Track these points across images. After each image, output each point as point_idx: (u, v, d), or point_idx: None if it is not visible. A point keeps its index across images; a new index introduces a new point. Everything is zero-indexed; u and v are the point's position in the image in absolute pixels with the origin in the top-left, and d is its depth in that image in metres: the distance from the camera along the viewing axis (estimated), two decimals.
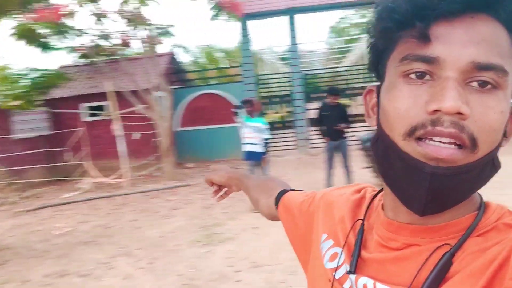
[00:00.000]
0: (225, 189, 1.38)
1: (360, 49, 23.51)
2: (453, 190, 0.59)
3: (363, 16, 25.54)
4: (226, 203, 8.17)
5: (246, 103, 7.27)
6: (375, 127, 0.69)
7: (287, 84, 14.95)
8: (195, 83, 15.53)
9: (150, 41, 10.68)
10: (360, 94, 14.41)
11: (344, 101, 7.82)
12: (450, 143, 0.56)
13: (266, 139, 7.26)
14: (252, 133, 7.17)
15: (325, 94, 14.48)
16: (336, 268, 0.75)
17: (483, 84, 0.56)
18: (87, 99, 13.03)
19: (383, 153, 0.64)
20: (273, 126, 12.83)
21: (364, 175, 8.75)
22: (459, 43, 0.56)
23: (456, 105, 0.54)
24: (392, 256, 0.67)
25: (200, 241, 6.11)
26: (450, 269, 0.59)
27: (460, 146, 0.56)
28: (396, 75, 0.61)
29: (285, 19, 13.49)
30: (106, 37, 11.49)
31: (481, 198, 0.67)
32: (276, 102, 15.39)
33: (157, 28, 11.55)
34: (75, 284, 4.98)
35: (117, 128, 10.61)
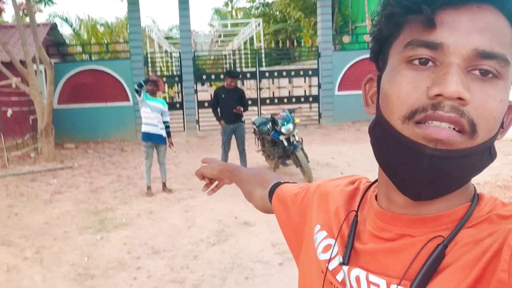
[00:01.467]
0: (216, 182, 1.32)
1: (244, 33, 23.83)
2: (450, 174, 0.59)
3: (250, 1, 25.81)
4: (115, 187, 7.78)
5: (149, 81, 6.88)
6: (373, 115, 0.69)
7: (176, 64, 14.61)
8: (77, 57, 14.40)
9: (29, 9, 9.62)
10: (245, 78, 14.66)
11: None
12: (449, 127, 0.57)
13: (166, 122, 7.00)
14: (151, 113, 6.84)
15: (214, 77, 14.57)
16: (329, 260, 0.75)
17: (484, 72, 0.57)
18: None
19: (381, 138, 0.64)
20: None
21: (257, 158, 8.92)
22: (464, 30, 0.57)
23: (458, 89, 0.55)
24: (385, 247, 0.67)
25: (91, 227, 5.73)
26: (443, 261, 0.59)
27: (459, 131, 0.57)
28: (399, 61, 0.62)
29: None
30: None
31: (475, 189, 0.67)
32: (164, 82, 14.95)
33: None
34: None
35: None
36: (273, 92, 14.99)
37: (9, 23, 13.37)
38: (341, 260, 0.72)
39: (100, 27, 20.28)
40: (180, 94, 13.97)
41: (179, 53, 13.86)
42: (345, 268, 0.70)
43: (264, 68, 15.24)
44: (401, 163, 0.61)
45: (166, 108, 7.04)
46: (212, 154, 10.41)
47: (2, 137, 9.80)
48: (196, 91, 13.82)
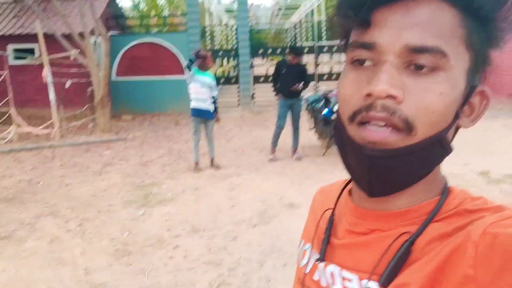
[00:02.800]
0: None
1: (306, 6, 23.16)
2: (395, 171, 0.60)
3: None
4: (165, 161, 7.77)
5: (199, 55, 6.72)
6: None
7: (233, 37, 14.41)
8: (135, 30, 14.51)
9: None
10: (306, 53, 14.18)
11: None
12: (386, 126, 0.57)
13: (214, 97, 6.84)
14: (201, 88, 6.69)
15: (271, 51, 14.22)
16: (307, 263, 0.76)
17: (420, 67, 0.57)
18: (12, 40, 11.87)
19: (338, 136, 0.66)
20: (217, 81, 12.34)
21: (309, 136, 8.60)
22: (395, 27, 0.57)
23: (385, 88, 0.55)
24: (357, 241, 0.68)
25: (135, 201, 5.71)
26: (412, 256, 0.59)
27: (397, 130, 0.57)
28: (346, 63, 0.64)
29: None
30: None
31: (446, 183, 0.67)
32: (220, 56, 14.81)
33: None
34: None
35: (47, 74, 9.71)
36: (332, 67, 14.45)
37: None
38: (317, 257, 0.73)
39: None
40: (236, 68, 13.75)
41: (236, 26, 13.61)
42: (321, 265, 0.71)
43: (323, 43, 14.69)
44: (352, 162, 0.63)
45: (214, 82, 6.86)
46: (265, 130, 10.19)
47: (61, 107, 10.05)
48: (252, 66, 13.56)
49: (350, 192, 0.74)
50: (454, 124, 0.61)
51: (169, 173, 6.98)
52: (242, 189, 6.05)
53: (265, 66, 14.52)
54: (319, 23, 15.74)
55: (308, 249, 0.78)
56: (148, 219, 5.11)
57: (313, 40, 14.31)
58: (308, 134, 8.61)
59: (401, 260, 0.59)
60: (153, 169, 7.21)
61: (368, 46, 0.58)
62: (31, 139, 9.93)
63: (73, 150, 8.79)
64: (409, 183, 0.62)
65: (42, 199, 5.87)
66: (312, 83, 13.35)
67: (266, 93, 13.21)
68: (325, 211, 0.78)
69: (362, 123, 0.59)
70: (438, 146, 0.60)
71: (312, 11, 21.54)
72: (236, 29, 13.43)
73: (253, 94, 13.65)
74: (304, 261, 0.78)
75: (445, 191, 0.65)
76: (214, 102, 6.86)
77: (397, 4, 0.57)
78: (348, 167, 0.65)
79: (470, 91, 0.61)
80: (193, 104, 6.78)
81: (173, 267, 4.01)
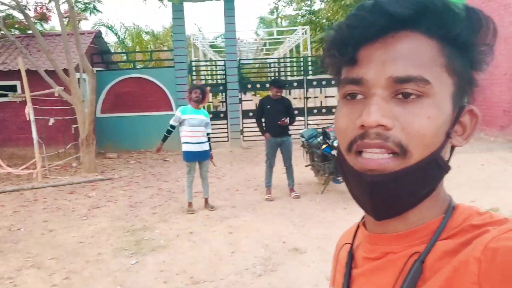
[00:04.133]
0: None
1: (290, 41, 23.26)
2: (396, 193, 0.62)
3: (297, 9, 25.27)
4: (155, 202, 7.35)
5: (196, 90, 6.38)
6: None
7: (220, 72, 14.24)
8: (120, 66, 14.23)
9: (72, 16, 9.41)
10: (291, 87, 14.01)
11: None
12: (382, 152, 0.60)
13: (208, 134, 6.50)
14: (196, 128, 6.33)
15: (259, 85, 14.05)
16: None
17: (406, 95, 0.61)
18: None
19: (341, 167, 0.69)
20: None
21: (305, 173, 8.29)
22: (379, 63, 0.61)
23: (375, 119, 0.59)
24: (373, 266, 0.69)
25: (127, 249, 5.26)
26: (423, 276, 0.60)
27: (393, 154, 0.60)
28: (340, 98, 0.68)
29: (219, 3, 12.74)
30: (19, 7, 10.03)
31: (450, 201, 0.68)
32: (209, 91, 14.57)
33: (80, 2, 10.31)
34: None
35: (30, 112, 9.29)
36: (321, 102, 14.30)
37: (54, 31, 13.31)
38: None
39: (145, 35, 20.25)
40: (224, 104, 13.50)
41: (224, 61, 13.45)
42: None
43: (310, 77, 14.60)
44: (355, 188, 0.66)
45: (208, 119, 6.53)
46: (256, 166, 9.87)
47: (43, 146, 9.59)
48: (241, 100, 13.34)
49: (364, 224, 0.75)
50: (446, 144, 0.63)
51: (160, 215, 6.55)
52: (241, 233, 5.65)
53: (253, 101, 14.31)
54: (305, 57, 15.68)
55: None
56: (142, 269, 4.66)
57: (301, 74, 14.18)
58: (304, 171, 8.30)
59: (413, 280, 0.61)
60: (143, 211, 6.78)
61: (357, 82, 0.63)
62: (12, 180, 9.42)
63: (57, 191, 8.31)
64: (413, 203, 0.64)
65: (23, 249, 5.38)
66: (301, 118, 13.16)
67: (255, 128, 12.91)
68: (343, 245, 0.81)
69: (359, 152, 0.62)
70: (434, 166, 0.63)
71: (298, 45, 21.62)
72: (224, 64, 13.25)
73: (242, 129, 13.37)
74: None
75: (450, 208, 0.66)
76: (208, 140, 6.52)
77: (378, 41, 0.62)
78: (353, 195, 0.68)
79: (459, 111, 0.65)
80: (187, 148, 6.38)
81: None
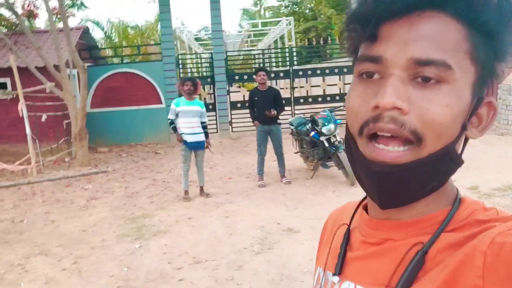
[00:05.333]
0: None
1: (274, 33, 23.49)
2: (404, 185, 0.61)
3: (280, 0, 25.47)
4: (151, 191, 7.60)
5: (187, 82, 6.61)
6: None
7: (207, 65, 14.44)
8: (108, 61, 14.35)
9: (62, 13, 9.54)
10: (278, 78, 14.22)
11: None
12: (397, 145, 0.59)
13: (203, 122, 6.74)
14: (192, 119, 6.57)
15: (246, 77, 14.29)
16: (323, 284, 0.76)
17: (426, 79, 0.58)
18: None
19: (349, 150, 0.67)
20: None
21: (295, 159, 8.59)
22: (401, 41, 0.59)
23: (391, 100, 0.57)
24: (371, 251, 0.68)
25: (129, 235, 5.52)
26: (424, 267, 0.60)
27: (408, 143, 0.59)
28: (354, 76, 0.65)
29: None
30: (8, 5, 10.12)
31: (457, 193, 0.67)
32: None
33: None
34: None
35: (23, 108, 9.43)
36: (307, 91, 14.61)
37: (41, 28, 13.36)
38: (333, 273, 0.73)
39: (130, 30, 20.34)
40: (212, 96, 13.74)
41: (211, 53, 13.66)
42: (337, 282, 0.71)
43: (296, 67, 14.87)
44: (363, 175, 0.64)
45: (204, 109, 6.77)
46: (247, 156, 10.15)
47: (37, 142, 9.75)
48: (228, 92, 13.58)
49: (364, 207, 0.75)
50: (461, 136, 0.62)
51: (158, 203, 6.81)
52: (237, 217, 5.94)
53: (241, 92, 14.57)
54: (290, 48, 15.95)
55: (322, 272, 0.78)
56: (146, 253, 4.93)
57: (286, 65, 14.44)
58: (293, 158, 8.60)
59: (414, 270, 0.60)
60: (141, 201, 7.03)
61: (375, 60, 0.60)
62: (7, 175, 9.56)
63: (53, 185, 8.50)
64: (420, 196, 0.63)
65: (28, 239, 5.61)
66: (288, 108, 13.45)
67: (243, 119, 13.23)
68: (340, 226, 0.79)
69: (372, 137, 0.60)
70: (447, 159, 0.61)
71: (283, 36, 21.89)
72: (211, 56, 13.47)
73: (231, 120, 13.62)
74: (318, 285, 0.78)
75: (457, 201, 0.66)
76: (204, 128, 6.76)
77: (403, 19, 0.59)
78: (359, 179, 0.67)
79: (477, 102, 0.62)
80: (189, 138, 6.61)
81: None
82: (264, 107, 7.16)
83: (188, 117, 6.54)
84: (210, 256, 4.75)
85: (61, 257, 4.94)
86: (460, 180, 6.52)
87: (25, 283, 4.37)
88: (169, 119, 6.72)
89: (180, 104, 6.58)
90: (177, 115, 6.59)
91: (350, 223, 0.77)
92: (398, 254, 0.63)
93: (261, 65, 15.16)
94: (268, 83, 7.66)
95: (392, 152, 0.59)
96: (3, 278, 4.49)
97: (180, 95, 7.55)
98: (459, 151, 0.64)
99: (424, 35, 0.58)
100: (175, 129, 6.68)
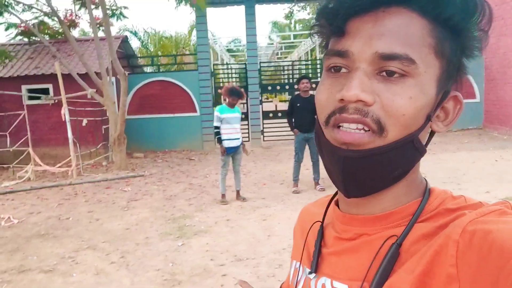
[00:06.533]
0: None
1: (306, 45, 23.70)
2: (367, 171, 0.63)
3: (311, 13, 25.73)
4: (188, 195, 7.82)
5: (233, 92, 6.84)
6: None
7: (241, 75, 14.72)
8: (145, 69, 14.81)
9: (106, 22, 9.97)
10: (311, 89, 14.37)
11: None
12: (358, 128, 0.60)
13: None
14: (235, 125, 6.83)
15: (279, 87, 14.53)
16: (299, 280, 0.77)
17: (390, 73, 0.60)
18: (26, 81, 12.03)
19: (318, 141, 0.68)
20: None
21: None
22: (366, 36, 0.60)
23: (355, 93, 0.59)
24: (346, 247, 0.69)
25: (171, 233, 5.73)
26: (400, 259, 0.61)
27: (368, 131, 0.60)
28: (323, 70, 0.67)
29: (240, 8, 13.28)
30: (55, 14, 10.61)
31: (427, 185, 0.69)
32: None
33: (108, 8, 10.86)
34: (39, 281, 4.46)
35: (66, 113, 9.84)
36: None
37: (79, 37, 13.87)
38: (309, 271, 0.74)
39: (165, 40, 20.90)
40: (245, 105, 14.01)
41: (245, 64, 13.95)
42: (313, 278, 0.72)
43: None
44: (328, 163, 0.66)
45: (240, 115, 7.04)
46: (279, 164, 10.32)
47: (77, 145, 10.14)
48: (261, 102, 13.82)
49: (336, 203, 0.76)
50: (425, 127, 0.63)
51: (196, 206, 7.03)
52: (274, 220, 6.10)
53: (273, 102, 14.81)
54: (321, 60, 16.10)
55: (299, 267, 0.79)
56: (189, 250, 5.13)
57: (317, 77, 14.62)
58: None
59: (390, 263, 0.61)
60: (180, 203, 7.26)
61: (342, 54, 0.62)
62: (48, 177, 9.96)
63: (93, 187, 8.83)
64: (384, 184, 0.65)
65: (75, 234, 5.88)
66: None
67: (275, 129, 13.42)
68: (313, 224, 0.79)
69: (337, 126, 0.62)
70: (411, 147, 0.63)
71: (313, 48, 22.09)
72: (245, 67, 13.75)
73: (263, 129, 13.84)
74: (295, 279, 0.79)
75: (427, 192, 0.67)
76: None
77: (368, 14, 0.61)
78: (327, 169, 0.68)
79: (443, 96, 0.64)
80: (227, 144, 6.82)
81: None
82: (305, 114, 7.29)
83: (231, 124, 6.78)
84: (251, 254, 4.92)
85: (109, 252, 5.18)
86: (493, 192, 6.54)
87: (77, 273, 4.61)
88: (215, 127, 6.89)
89: (224, 111, 6.82)
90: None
91: (323, 219, 0.78)
92: (372, 248, 0.64)
93: (292, 76, 15.38)
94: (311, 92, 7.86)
95: (352, 133, 0.61)
96: (56, 269, 4.75)
97: (217, 103, 7.78)
98: (424, 142, 0.66)
99: (388, 30, 0.59)
100: (220, 140, 6.82)
